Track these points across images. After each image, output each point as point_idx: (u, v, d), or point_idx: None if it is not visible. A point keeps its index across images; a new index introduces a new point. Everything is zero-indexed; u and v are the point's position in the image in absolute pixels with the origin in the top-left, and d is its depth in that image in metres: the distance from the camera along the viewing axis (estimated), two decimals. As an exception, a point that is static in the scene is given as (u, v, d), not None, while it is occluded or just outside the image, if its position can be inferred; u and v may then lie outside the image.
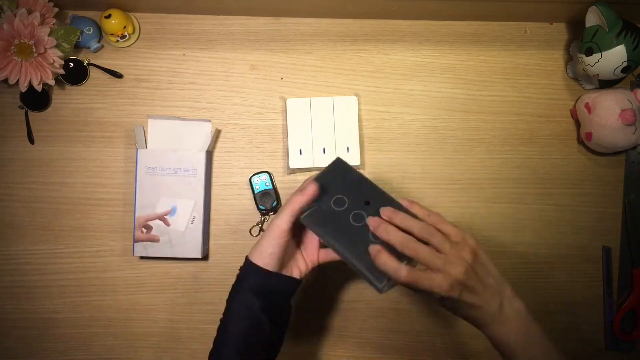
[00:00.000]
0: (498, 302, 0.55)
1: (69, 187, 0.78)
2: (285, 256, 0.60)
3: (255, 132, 0.79)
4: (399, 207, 0.58)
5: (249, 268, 0.59)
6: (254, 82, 0.79)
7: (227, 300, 0.60)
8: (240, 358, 0.57)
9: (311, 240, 0.64)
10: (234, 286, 0.60)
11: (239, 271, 0.60)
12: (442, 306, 0.56)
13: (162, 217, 0.74)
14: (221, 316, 0.60)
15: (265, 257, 0.58)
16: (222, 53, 0.79)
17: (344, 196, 0.60)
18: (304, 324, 0.77)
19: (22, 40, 0.71)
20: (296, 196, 0.59)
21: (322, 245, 0.65)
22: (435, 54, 0.80)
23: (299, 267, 0.62)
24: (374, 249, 0.54)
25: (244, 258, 0.77)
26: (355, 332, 0.78)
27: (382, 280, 0.54)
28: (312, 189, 0.59)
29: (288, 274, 0.61)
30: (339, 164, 0.63)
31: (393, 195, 0.60)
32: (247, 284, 0.59)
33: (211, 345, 0.78)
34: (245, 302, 0.58)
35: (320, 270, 0.78)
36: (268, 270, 0.58)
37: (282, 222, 0.58)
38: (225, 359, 0.57)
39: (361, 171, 0.63)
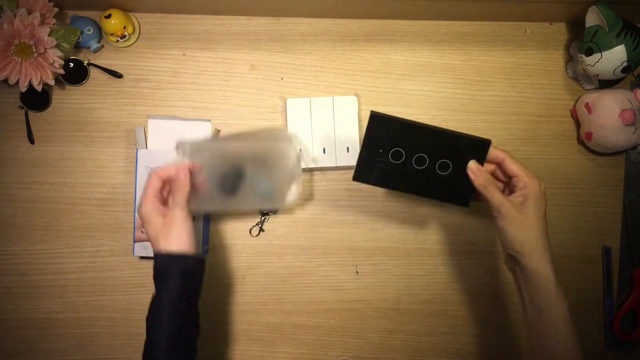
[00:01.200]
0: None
1: (69, 187, 0.78)
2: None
3: (255, 132, 0.79)
4: (450, 136, 0.61)
5: (172, 258, 0.59)
6: (254, 82, 0.79)
7: (154, 299, 0.60)
8: (175, 348, 0.58)
9: None
10: (158, 284, 0.60)
11: (155, 266, 0.60)
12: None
13: None
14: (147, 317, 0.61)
15: (185, 242, 0.59)
16: (222, 53, 0.79)
17: (399, 148, 0.62)
18: (304, 324, 0.77)
19: (22, 40, 0.71)
20: (181, 185, 0.62)
21: None
22: (435, 54, 0.80)
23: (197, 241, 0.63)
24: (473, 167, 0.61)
25: (243, 258, 0.78)
26: (355, 332, 0.78)
27: (466, 199, 0.63)
28: (185, 172, 0.62)
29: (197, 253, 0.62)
30: (375, 118, 0.63)
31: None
32: (176, 272, 0.59)
33: (211, 345, 0.78)
34: (178, 291, 0.59)
35: (320, 271, 0.78)
36: (192, 255, 0.60)
37: (184, 207, 0.60)
38: (160, 354, 0.57)
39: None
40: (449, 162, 0.62)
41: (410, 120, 0.62)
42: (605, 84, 0.76)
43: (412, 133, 0.62)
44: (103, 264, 0.77)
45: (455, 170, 0.62)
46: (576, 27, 0.80)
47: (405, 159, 0.62)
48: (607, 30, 0.68)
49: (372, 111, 0.62)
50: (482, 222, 0.78)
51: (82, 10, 0.78)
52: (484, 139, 0.61)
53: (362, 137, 0.78)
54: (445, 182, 0.63)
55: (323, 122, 0.77)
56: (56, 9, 0.73)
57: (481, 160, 0.61)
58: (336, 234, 0.78)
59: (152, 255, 0.74)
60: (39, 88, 0.73)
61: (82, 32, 0.76)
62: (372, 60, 0.80)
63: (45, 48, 0.72)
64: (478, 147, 0.61)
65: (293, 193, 0.70)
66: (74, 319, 0.77)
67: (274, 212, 0.78)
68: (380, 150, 0.62)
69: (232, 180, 0.68)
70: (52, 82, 0.74)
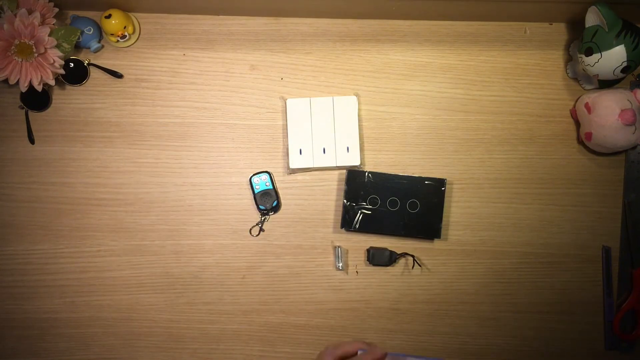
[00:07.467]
0: None
1: (69, 187, 0.78)
2: None
3: (255, 132, 0.79)
4: (411, 179, 0.76)
5: None
6: (254, 82, 0.79)
7: None
8: None
9: None
10: None
11: None
12: None
13: None
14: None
15: None
16: (222, 53, 0.79)
17: (374, 195, 0.75)
18: (304, 324, 0.77)
19: (22, 40, 0.71)
20: None
21: None
22: (435, 54, 0.80)
23: None
24: None
25: (243, 258, 0.78)
26: (355, 332, 0.78)
27: (437, 230, 0.76)
28: None
29: None
30: (350, 173, 0.75)
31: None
32: None
33: (211, 344, 0.78)
34: None
35: (320, 271, 0.78)
36: None
37: None
38: None
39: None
40: (417, 201, 0.75)
41: (378, 172, 0.76)
42: (605, 84, 0.76)
43: (381, 181, 0.75)
44: (103, 264, 0.77)
45: (423, 207, 0.75)
46: (576, 27, 0.81)
47: (380, 203, 0.75)
48: (607, 30, 0.68)
49: (347, 170, 0.76)
50: (484, 222, 0.78)
51: (82, 10, 0.78)
52: (439, 178, 0.75)
53: (362, 137, 0.78)
54: (417, 218, 0.75)
55: (323, 122, 0.77)
56: (56, 9, 0.73)
57: (440, 196, 0.75)
58: (336, 234, 0.78)
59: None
60: (39, 88, 0.73)
61: (82, 32, 0.76)
62: (372, 60, 0.80)
63: (45, 48, 0.72)
64: (436, 184, 0.75)
65: None
66: (74, 319, 0.77)
67: (274, 212, 0.78)
68: (359, 199, 0.75)
69: None
70: (52, 82, 0.74)
